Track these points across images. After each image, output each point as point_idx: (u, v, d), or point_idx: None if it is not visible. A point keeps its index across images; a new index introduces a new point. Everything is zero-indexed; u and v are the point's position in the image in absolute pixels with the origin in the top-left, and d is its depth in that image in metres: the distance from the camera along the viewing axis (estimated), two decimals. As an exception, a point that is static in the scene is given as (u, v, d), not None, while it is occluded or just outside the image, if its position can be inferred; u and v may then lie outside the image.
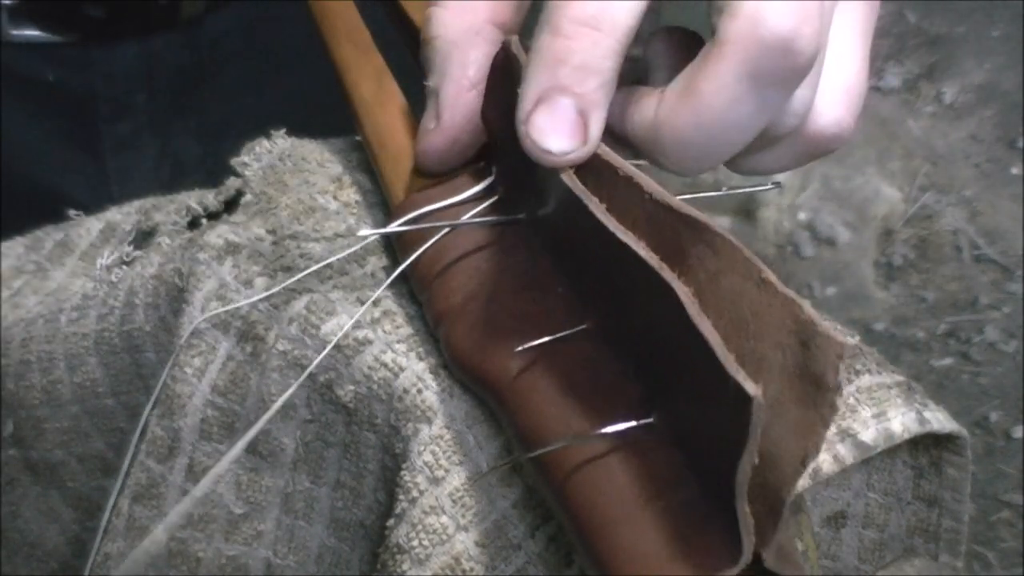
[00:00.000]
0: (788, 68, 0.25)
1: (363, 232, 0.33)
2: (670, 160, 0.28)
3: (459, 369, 0.29)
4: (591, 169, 0.25)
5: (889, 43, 1.45)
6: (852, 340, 0.32)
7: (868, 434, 0.29)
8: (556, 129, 0.25)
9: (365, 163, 0.38)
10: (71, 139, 0.56)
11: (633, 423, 0.24)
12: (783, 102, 0.27)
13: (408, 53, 0.39)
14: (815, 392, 0.20)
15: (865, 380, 0.31)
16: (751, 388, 0.19)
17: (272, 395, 0.32)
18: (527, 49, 0.28)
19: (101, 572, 0.34)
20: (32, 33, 0.53)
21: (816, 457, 0.20)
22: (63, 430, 0.37)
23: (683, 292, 0.21)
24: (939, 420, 0.30)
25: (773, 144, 0.29)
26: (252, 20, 0.57)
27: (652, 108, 0.27)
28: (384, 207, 0.36)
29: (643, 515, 0.23)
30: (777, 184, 0.32)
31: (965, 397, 1.19)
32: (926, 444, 0.32)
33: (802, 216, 1.33)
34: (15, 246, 0.41)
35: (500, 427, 0.29)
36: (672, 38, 0.31)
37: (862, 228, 1.33)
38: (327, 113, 0.39)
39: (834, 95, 0.29)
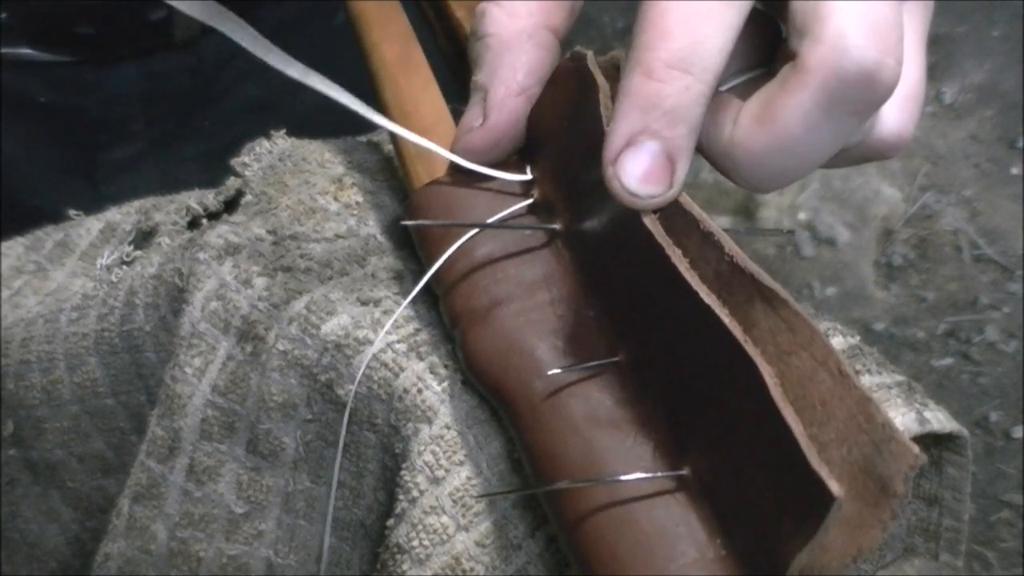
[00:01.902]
0: (869, 98, 0.25)
1: (404, 223, 0.32)
2: (743, 178, 0.28)
3: (475, 373, 0.29)
4: (667, 213, 0.25)
5: (889, 43, 1.45)
6: (852, 340, 0.32)
7: (868, 434, 0.29)
8: (644, 173, 0.25)
9: (366, 164, 0.38)
10: (65, 164, 0.55)
11: (664, 473, 0.24)
12: (860, 127, 0.27)
13: (437, 49, 0.38)
14: (879, 495, 0.19)
15: (865, 380, 0.31)
16: (835, 488, 0.19)
17: (272, 395, 0.32)
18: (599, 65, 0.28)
19: (102, 572, 0.34)
20: (22, 51, 0.51)
21: (867, 555, 0.20)
22: (63, 430, 0.37)
23: (768, 372, 0.21)
24: (939, 420, 0.30)
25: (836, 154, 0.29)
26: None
27: (728, 126, 0.27)
28: (387, 208, 0.36)
29: (665, 568, 0.23)
30: (791, 231, 0.32)
31: (965, 397, 1.19)
32: (926, 444, 0.32)
33: (802, 216, 1.33)
34: (15, 246, 0.41)
35: (501, 427, 0.29)
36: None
37: (862, 228, 1.33)
38: (333, 137, 0.39)
39: (896, 103, 0.29)
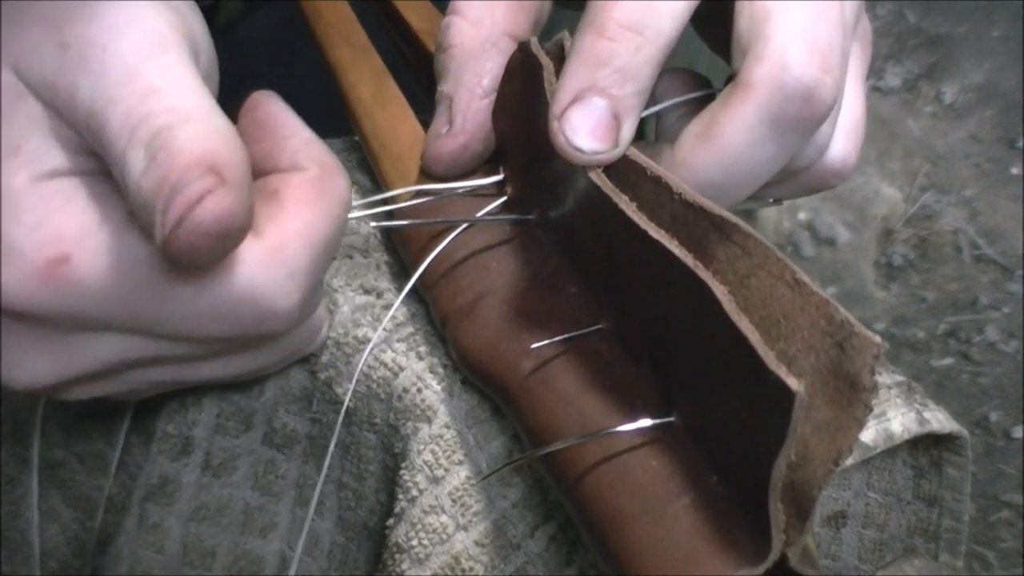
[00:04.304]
0: (809, 115, 0.26)
1: (374, 225, 0.32)
2: None
3: (468, 368, 0.29)
4: (618, 170, 0.25)
5: (889, 43, 1.45)
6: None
7: (868, 434, 0.29)
8: (589, 128, 0.25)
9: (365, 163, 0.38)
10: None
11: (652, 421, 0.24)
12: (801, 145, 0.27)
13: (398, 55, 0.39)
14: (849, 392, 0.20)
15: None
16: (793, 384, 0.19)
17: (291, 388, 0.32)
18: (546, 51, 0.28)
19: (110, 573, 0.34)
20: None
21: (848, 457, 0.20)
22: (64, 429, 0.37)
23: (720, 290, 0.21)
24: (939, 420, 0.30)
25: (784, 179, 0.29)
26: (284, 22, 0.57)
27: (668, 148, 0.27)
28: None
29: (665, 512, 0.23)
30: (778, 201, 0.33)
31: (965, 397, 1.19)
32: (926, 444, 0.32)
33: (802, 216, 1.33)
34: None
35: (500, 427, 0.29)
36: (680, 78, 0.31)
37: (862, 228, 1.33)
38: None
39: (842, 133, 0.29)
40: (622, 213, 0.23)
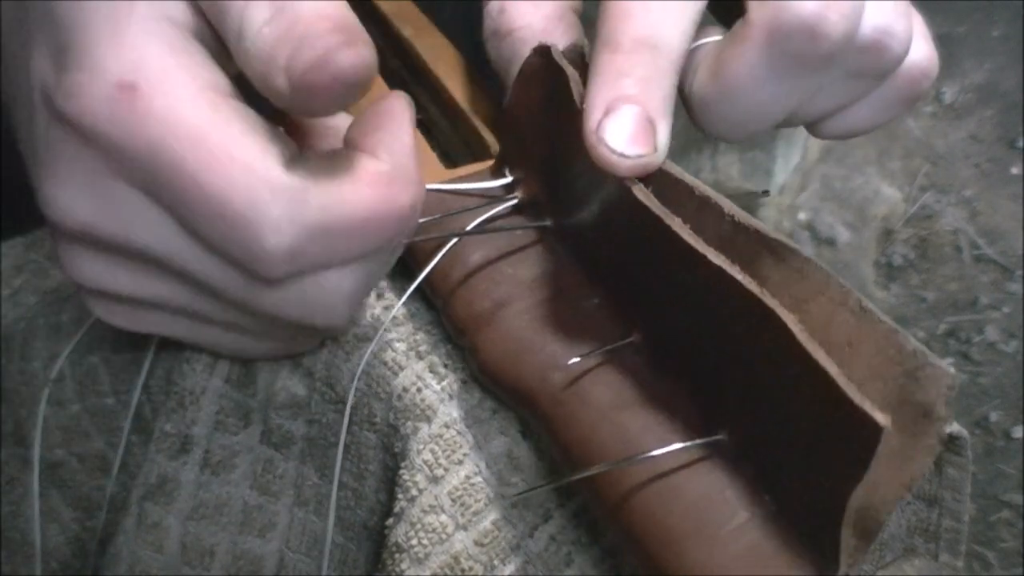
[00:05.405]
0: (813, 53, 0.26)
1: None
2: (704, 125, 0.29)
3: (490, 379, 0.29)
4: (660, 188, 0.25)
5: (889, 43, 1.45)
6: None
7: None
8: (628, 135, 0.25)
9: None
10: None
11: (704, 440, 0.24)
12: (812, 82, 0.27)
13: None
14: (922, 421, 0.19)
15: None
16: (880, 418, 0.19)
17: (287, 388, 0.32)
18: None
19: (110, 572, 0.34)
20: None
21: (918, 484, 0.20)
22: (64, 429, 0.37)
23: (791, 319, 0.21)
24: (939, 420, 0.30)
25: (871, 89, 0.29)
26: None
27: (690, 76, 0.28)
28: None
29: (718, 532, 0.23)
30: (766, 192, 0.33)
31: (965, 397, 1.19)
32: (926, 444, 0.32)
33: (802, 216, 1.33)
34: (15, 245, 0.41)
35: (500, 426, 0.29)
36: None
37: (862, 228, 1.33)
38: None
39: (916, 33, 0.29)
40: (675, 235, 0.23)
